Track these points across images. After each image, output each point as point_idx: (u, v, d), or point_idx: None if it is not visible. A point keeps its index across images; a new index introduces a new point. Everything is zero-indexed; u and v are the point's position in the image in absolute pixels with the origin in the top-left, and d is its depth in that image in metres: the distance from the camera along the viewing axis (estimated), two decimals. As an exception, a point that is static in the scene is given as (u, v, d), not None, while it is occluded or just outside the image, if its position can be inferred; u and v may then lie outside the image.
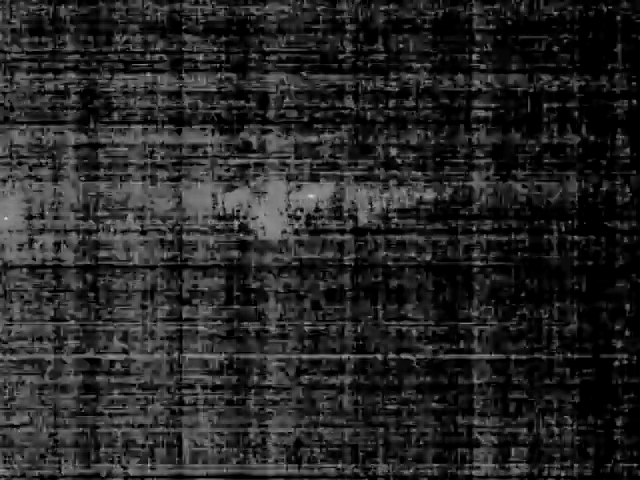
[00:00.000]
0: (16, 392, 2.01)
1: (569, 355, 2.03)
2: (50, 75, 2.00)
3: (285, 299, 2.02)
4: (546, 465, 2.03)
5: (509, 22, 2.01)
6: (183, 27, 2.01)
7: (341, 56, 2.01)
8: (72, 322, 2.01)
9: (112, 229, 2.01)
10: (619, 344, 2.02)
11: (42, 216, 2.00)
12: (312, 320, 2.02)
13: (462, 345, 2.02)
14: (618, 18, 2.01)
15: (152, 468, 2.02)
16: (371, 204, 2.01)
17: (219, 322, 2.02)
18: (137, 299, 2.01)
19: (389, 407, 2.02)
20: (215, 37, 2.01)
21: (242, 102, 2.01)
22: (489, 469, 2.03)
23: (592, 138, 2.02)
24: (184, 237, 2.01)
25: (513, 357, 2.03)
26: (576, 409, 2.03)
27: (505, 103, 2.02)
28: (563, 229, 2.02)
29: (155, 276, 2.01)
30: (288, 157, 2.01)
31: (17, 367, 2.01)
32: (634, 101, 2.02)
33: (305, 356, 2.02)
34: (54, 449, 2.01)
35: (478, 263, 2.01)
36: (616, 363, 2.02)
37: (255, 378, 2.03)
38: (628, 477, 2.03)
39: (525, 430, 2.03)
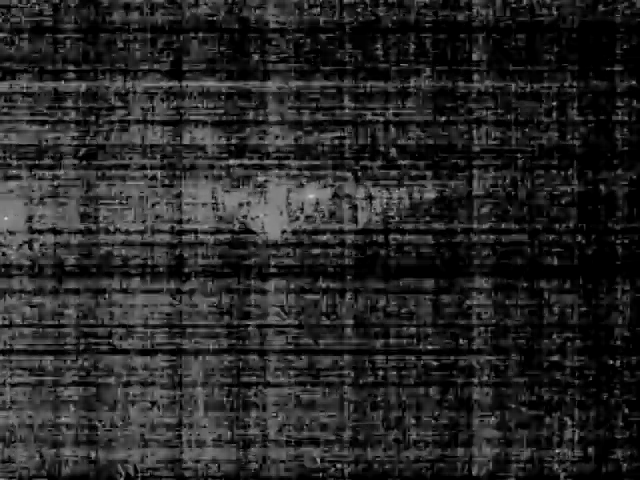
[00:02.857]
0: (15, 392, 2.01)
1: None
2: (50, 75, 2.01)
3: (285, 299, 2.02)
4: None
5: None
6: (183, 27, 2.02)
7: (341, 57, 2.02)
8: (72, 322, 2.01)
9: (112, 229, 2.01)
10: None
11: (42, 216, 2.01)
12: (311, 321, 2.02)
13: (461, 342, 2.03)
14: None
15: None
16: (371, 204, 2.01)
17: (219, 322, 2.02)
18: (137, 299, 2.01)
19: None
20: (215, 37, 2.02)
21: (242, 102, 2.02)
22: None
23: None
24: (184, 237, 2.01)
25: (513, 356, 2.03)
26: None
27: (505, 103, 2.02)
28: (563, 229, 2.02)
29: (155, 276, 2.01)
30: (288, 157, 2.01)
31: (17, 367, 2.01)
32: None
33: (304, 357, 2.02)
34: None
35: (477, 262, 2.02)
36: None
37: (254, 378, 2.03)
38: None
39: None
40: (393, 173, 2.01)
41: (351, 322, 2.02)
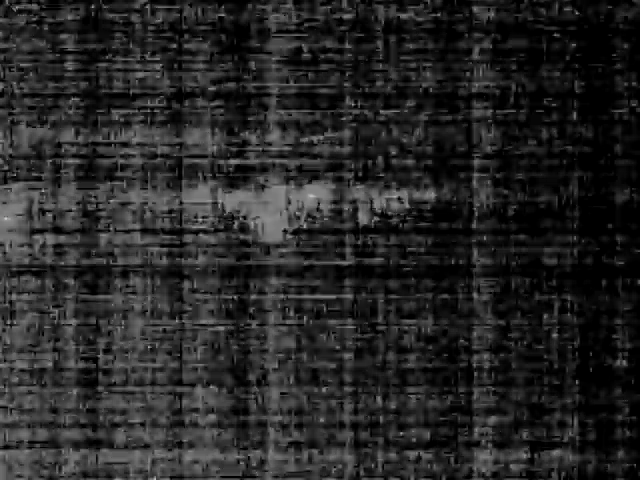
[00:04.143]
0: (15, 394, 2.01)
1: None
2: (50, 75, 2.01)
3: (285, 299, 2.02)
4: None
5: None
6: (182, 27, 2.02)
7: (341, 57, 2.02)
8: (72, 322, 2.01)
9: (112, 229, 2.01)
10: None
11: (42, 216, 2.01)
12: (311, 320, 2.02)
13: (461, 347, 2.03)
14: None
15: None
16: (371, 204, 2.02)
17: (219, 322, 2.02)
18: (137, 300, 2.01)
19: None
20: (215, 36, 2.02)
21: (242, 102, 2.02)
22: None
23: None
24: (184, 237, 2.01)
25: (513, 365, 2.03)
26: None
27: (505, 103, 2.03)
28: (563, 229, 2.02)
29: (155, 277, 2.01)
30: (288, 157, 2.02)
31: (17, 367, 2.01)
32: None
33: (304, 357, 2.03)
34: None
35: (478, 263, 2.02)
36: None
37: (253, 378, 2.03)
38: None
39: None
40: (393, 173, 2.02)
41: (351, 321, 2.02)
